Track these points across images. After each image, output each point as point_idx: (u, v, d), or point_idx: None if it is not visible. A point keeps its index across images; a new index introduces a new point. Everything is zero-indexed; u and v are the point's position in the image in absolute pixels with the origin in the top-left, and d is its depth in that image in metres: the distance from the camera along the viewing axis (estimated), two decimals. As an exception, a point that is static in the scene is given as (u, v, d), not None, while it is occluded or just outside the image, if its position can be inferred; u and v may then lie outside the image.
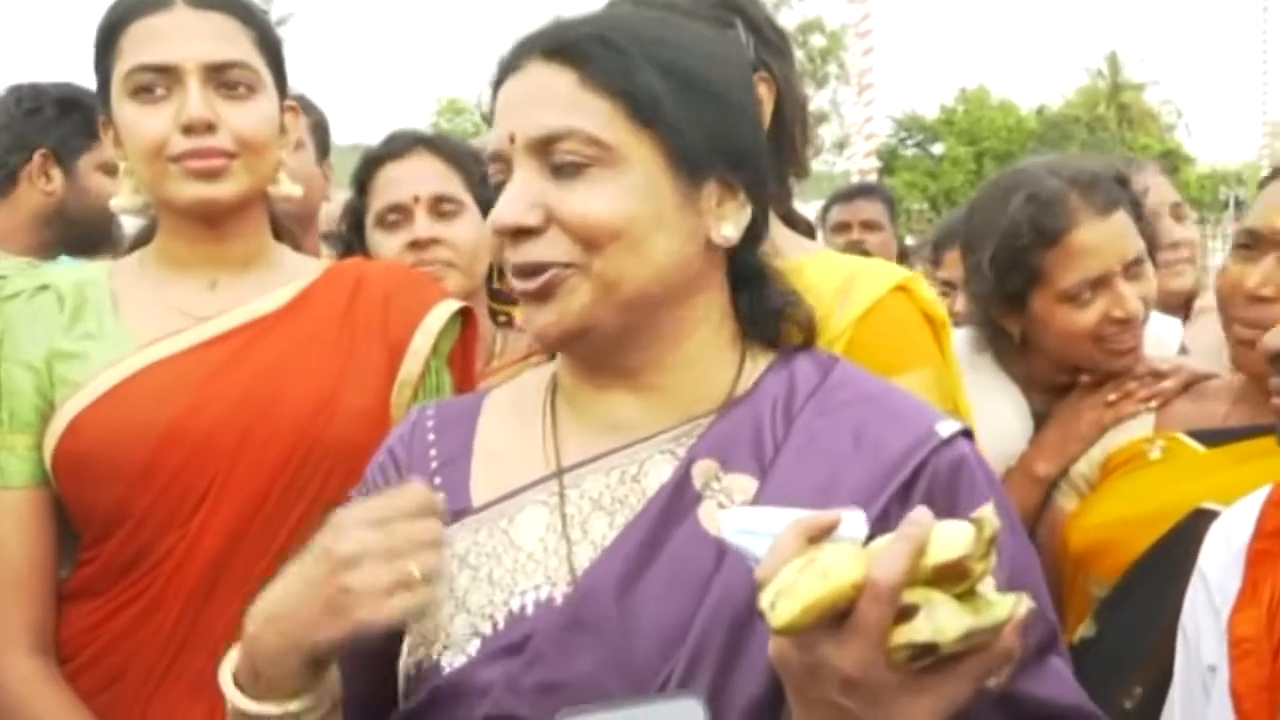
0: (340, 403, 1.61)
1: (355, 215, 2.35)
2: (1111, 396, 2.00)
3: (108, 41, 1.61)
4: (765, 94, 1.62)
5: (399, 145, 2.32)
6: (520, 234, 1.11)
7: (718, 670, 1.04)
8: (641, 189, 1.11)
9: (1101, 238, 1.93)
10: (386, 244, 2.25)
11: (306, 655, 1.08)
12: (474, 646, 1.12)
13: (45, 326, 1.62)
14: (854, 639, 0.88)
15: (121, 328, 1.63)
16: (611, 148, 1.11)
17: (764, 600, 0.89)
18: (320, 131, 2.84)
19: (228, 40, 1.61)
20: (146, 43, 1.58)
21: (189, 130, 1.57)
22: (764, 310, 1.23)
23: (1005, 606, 0.89)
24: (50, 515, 1.62)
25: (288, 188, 1.73)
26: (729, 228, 1.17)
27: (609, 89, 1.11)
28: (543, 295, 1.12)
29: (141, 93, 1.58)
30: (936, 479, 1.12)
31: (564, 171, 1.11)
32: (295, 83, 1.76)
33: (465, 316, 1.77)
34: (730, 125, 1.17)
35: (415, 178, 2.26)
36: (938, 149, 45.55)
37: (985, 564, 0.89)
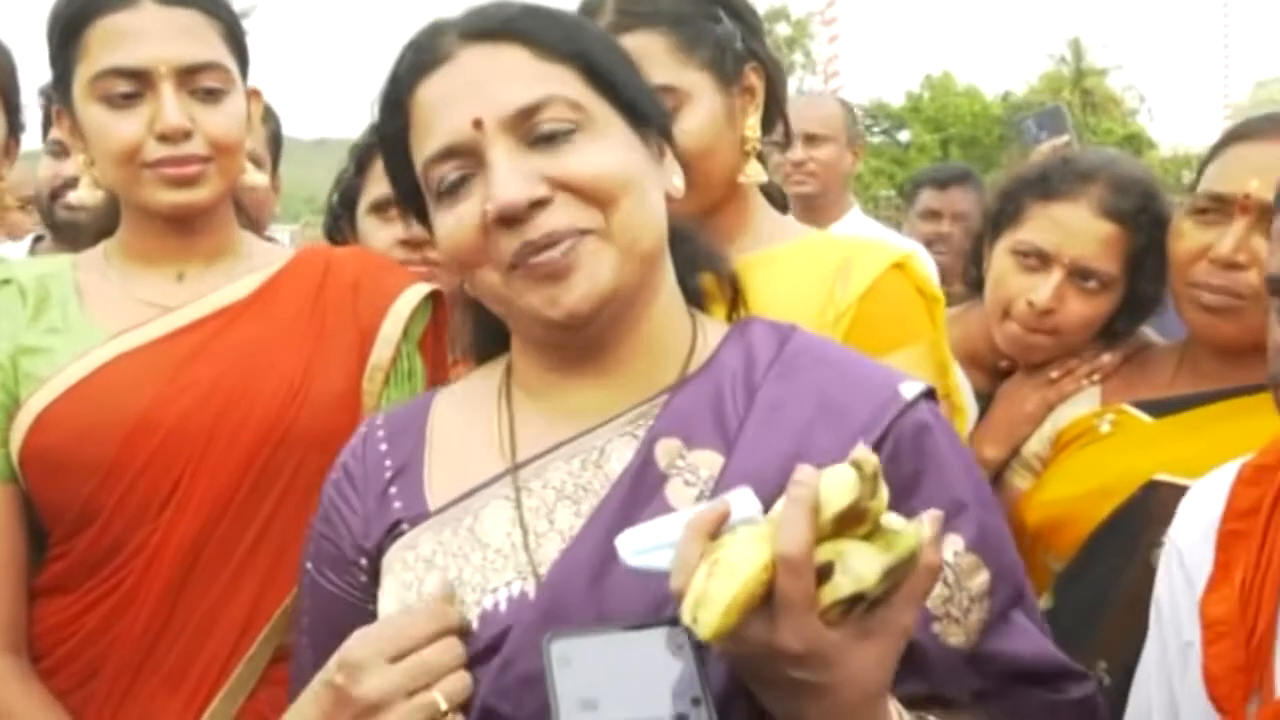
0: (311, 390, 1.60)
1: (350, 195, 2.28)
2: (1054, 374, 2.01)
3: (70, 35, 1.57)
4: (757, 83, 1.64)
5: None
6: (530, 209, 1.08)
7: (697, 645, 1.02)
8: (624, 143, 1.14)
9: (1071, 221, 1.93)
10: (377, 235, 2.20)
11: None
12: None
13: (8, 322, 1.60)
14: (785, 616, 0.88)
15: (87, 320, 1.61)
16: (587, 110, 1.12)
17: (685, 615, 0.89)
18: (275, 143, 2.75)
19: (198, 39, 1.58)
20: (115, 43, 1.54)
21: (164, 138, 1.55)
22: (691, 264, 1.25)
23: (911, 533, 0.91)
24: (19, 512, 1.60)
25: (252, 177, 1.72)
26: (676, 178, 1.21)
27: (564, 57, 1.13)
28: (567, 269, 1.09)
29: (112, 97, 1.55)
30: (902, 441, 1.12)
31: (552, 140, 1.10)
32: (259, 78, 1.72)
33: (436, 301, 1.75)
34: (646, 84, 1.22)
35: None
36: (904, 136, 45.63)
37: (878, 500, 0.90)
